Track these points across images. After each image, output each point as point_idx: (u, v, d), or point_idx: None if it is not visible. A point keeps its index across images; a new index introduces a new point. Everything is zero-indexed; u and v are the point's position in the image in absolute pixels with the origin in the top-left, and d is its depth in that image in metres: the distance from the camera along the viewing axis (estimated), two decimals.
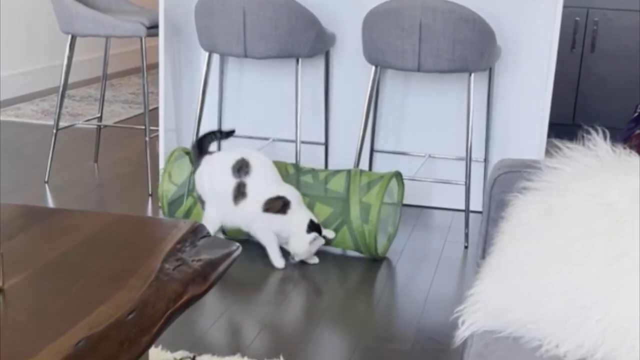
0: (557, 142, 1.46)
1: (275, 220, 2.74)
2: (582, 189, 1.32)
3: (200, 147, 2.86)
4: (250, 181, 2.74)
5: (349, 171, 2.92)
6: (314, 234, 2.73)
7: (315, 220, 2.76)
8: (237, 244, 1.65)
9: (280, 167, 2.96)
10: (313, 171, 2.95)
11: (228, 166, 2.76)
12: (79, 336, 1.17)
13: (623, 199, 1.27)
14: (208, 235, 1.66)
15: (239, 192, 2.74)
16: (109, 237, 1.59)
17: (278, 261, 2.78)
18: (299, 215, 2.75)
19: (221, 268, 1.57)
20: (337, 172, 2.94)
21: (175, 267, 1.47)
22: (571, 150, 1.43)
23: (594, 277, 1.21)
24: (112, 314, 1.25)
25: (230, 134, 2.98)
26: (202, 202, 2.83)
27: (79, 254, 1.49)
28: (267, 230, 2.76)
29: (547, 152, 3.01)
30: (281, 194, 2.75)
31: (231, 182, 2.75)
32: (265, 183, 2.75)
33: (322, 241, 2.76)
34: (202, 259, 1.54)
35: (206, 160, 2.83)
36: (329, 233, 2.78)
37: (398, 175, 2.96)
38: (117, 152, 4.08)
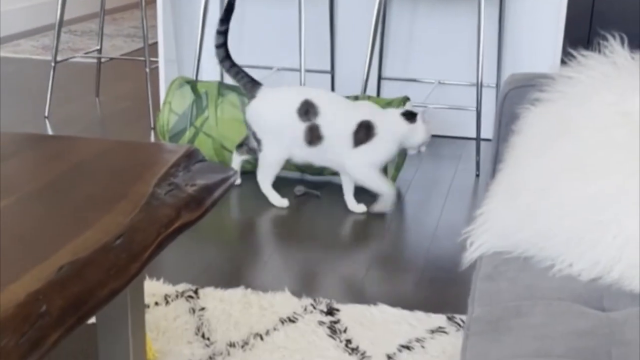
0: (571, 50, 1.36)
1: (371, 149, 2.56)
2: (598, 98, 1.23)
3: (246, 76, 2.64)
4: (324, 122, 2.56)
5: (356, 97, 2.82)
6: (418, 117, 2.58)
7: (401, 110, 2.61)
8: (234, 169, 1.58)
9: None
10: None
11: (293, 109, 2.56)
12: (62, 262, 1.11)
13: None
14: (203, 160, 1.58)
15: (313, 135, 2.56)
16: (99, 163, 1.52)
17: (387, 195, 2.61)
18: (388, 123, 2.57)
19: (217, 193, 1.50)
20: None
21: (167, 191, 1.40)
22: (587, 59, 1.33)
23: (610, 191, 1.13)
24: (98, 239, 1.18)
25: (228, 17, 2.67)
26: (258, 141, 2.63)
27: (68, 180, 1.42)
28: (362, 165, 2.58)
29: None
30: (358, 119, 2.56)
31: (299, 125, 2.56)
32: (340, 119, 2.57)
33: (427, 111, 2.63)
34: (196, 184, 1.47)
35: (263, 94, 2.62)
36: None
37: (407, 101, 2.86)
38: (118, 86, 4.00)
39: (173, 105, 2.87)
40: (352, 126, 2.55)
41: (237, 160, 2.74)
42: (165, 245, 1.32)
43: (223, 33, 2.65)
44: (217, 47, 2.66)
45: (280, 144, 2.61)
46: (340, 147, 2.57)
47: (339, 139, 2.56)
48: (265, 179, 2.66)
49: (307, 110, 2.57)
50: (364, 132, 2.55)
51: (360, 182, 2.61)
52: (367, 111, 2.59)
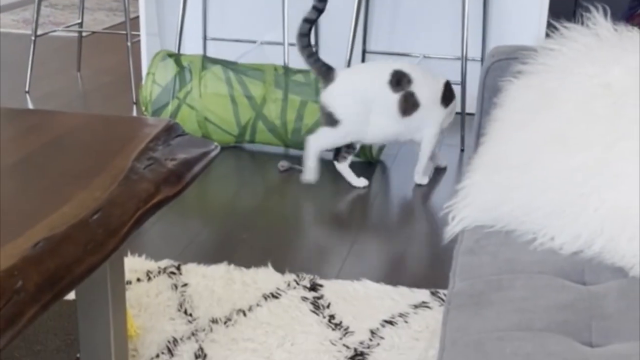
0: (554, 22, 1.34)
1: (451, 110, 2.68)
2: (580, 70, 1.22)
3: (322, 61, 2.61)
4: (418, 88, 2.56)
5: None
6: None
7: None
8: (215, 143, 1.56)
9: (269, 68, 2.84)
10: (304, 71, 2.83)
11: (383, 82, 2.55)
12: (38, 237, 1.09)
13: (624, 78, 1.16)
14: (183, 133, 1.56)
15: (409, 104, 2.55)
16: (77, 137, 1.49)
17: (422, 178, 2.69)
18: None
19: (197, 168, 1.48)
20: None
21: (146, 166, 1.38)
22: (569, 30, 1.32)
23: (592, 163, 1.12)
24: (75, 215, 1.16)
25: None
26: (335, 121, 2.57)
27: (45, 154, 1.40)
28: (436, 128, 2.64)
29: None
30: (443, 81, 2.65)
31: (392, 96, 2.54)
32: (429, 84, 2.61)
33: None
34: (176, 158, 1.45)
35: (342, 76, 2.59)
36: None
37: None
38: (100, 61, 3.95)
39: (156, 77, 2.84)
40: (441, 88, 2.63)
41: (345, 167, 2.68)
42: (144, 220, 1.30)
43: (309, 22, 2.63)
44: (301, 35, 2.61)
45: (360, 125, 2.58)
46: (433, 112, 2.61)
47: (433, 103, 2.61)
48: (318, 146, 2.62)
49: (400, 79, 2.56)
50: (449, 93, 2.64)
51: (427, 144, 2.64)
52: (442, 75, 2.71)
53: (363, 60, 3.36)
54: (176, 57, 2.86)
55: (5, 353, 1.70)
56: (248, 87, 2.80)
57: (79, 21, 3.77)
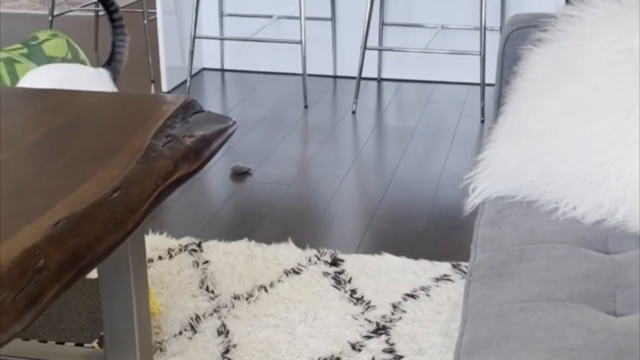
0: None
1: None
2: (600, 36, 1.20)
3: None
4: None
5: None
6: None
7: None
8: (233, 119, 1.55)
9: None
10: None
11: None
12: (59, 216, 1.09)
13: None
14: (201, 110, 1.56)
15: None
16: (94, 116, 1.49)
17: None
18: None
19: (215, 145, 1.48)
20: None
21: (165, 143, 1.38)
22: None
23: (613, 130, 1.10)
24: (95, 193, 1.16)
25: None
26: None
27: (63, 134, 1.40)
28: None
29: None
30: None
31: None
32: None
33: None
34: (194, 135, 1.45)
35: None
36: None
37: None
38: None
39: None
40: None
41: None
42: (164, 197, 1.30)
43: None
44: None
45: None
46: None
47: None
48: None
49: None
50: None
51: None
52: None
53: (381, 33, 3.33)
54: None
55: (30, 332, 1.71)
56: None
57: (95, 0, 3.77)
